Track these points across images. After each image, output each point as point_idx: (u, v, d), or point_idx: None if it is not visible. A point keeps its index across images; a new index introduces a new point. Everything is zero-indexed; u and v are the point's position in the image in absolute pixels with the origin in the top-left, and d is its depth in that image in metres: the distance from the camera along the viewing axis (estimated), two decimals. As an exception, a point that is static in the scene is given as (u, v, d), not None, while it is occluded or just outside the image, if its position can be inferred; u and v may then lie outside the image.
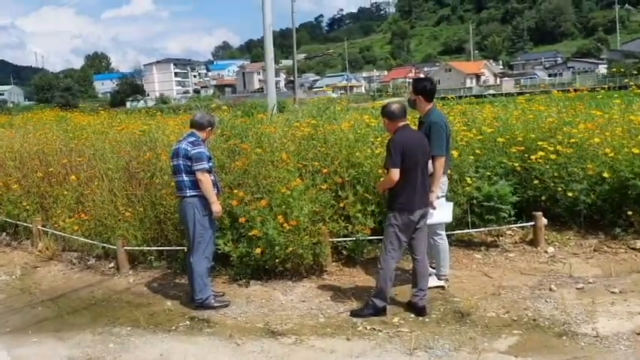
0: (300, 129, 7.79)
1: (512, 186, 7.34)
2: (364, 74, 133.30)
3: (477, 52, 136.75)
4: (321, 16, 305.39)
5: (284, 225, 6.35)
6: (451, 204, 6.16)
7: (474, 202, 7.26)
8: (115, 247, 7.50)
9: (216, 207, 5.97)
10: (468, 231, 7.31)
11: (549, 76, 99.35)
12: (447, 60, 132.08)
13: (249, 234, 6.46)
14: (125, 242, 7.45)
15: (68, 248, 8.49)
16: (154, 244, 7.52)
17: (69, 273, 7.76)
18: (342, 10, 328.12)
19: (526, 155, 7.73)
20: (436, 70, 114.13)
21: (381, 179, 5.87)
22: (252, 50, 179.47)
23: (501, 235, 7.54)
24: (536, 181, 7.58)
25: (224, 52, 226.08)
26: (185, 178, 5.92)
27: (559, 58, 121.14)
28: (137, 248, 7.45)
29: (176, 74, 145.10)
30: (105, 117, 14.38)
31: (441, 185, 5.97)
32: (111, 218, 7.70)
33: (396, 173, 5.24)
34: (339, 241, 7.00)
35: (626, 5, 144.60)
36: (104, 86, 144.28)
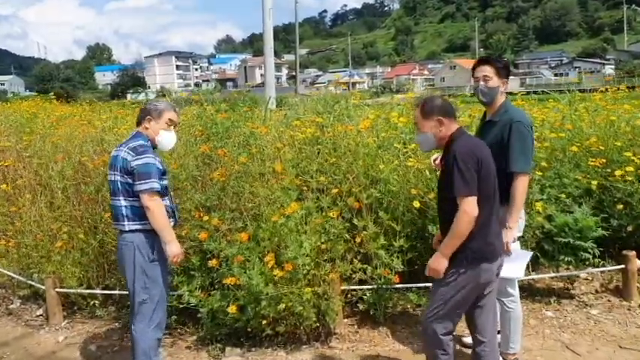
0: (301, 129, 5.73)
1: (593, 213, 5.29)
2: (367, 70, 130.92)
3: (481, 50, 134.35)
4: (325, 11, 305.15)
5: (274, 269, 4.33)
6: (530, 253, 4.10)
7: (539, 234, 5.23)
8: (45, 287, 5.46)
9: (174, 248, 3.86)
10: (531, 277, 5.28)
11: (555, 75, 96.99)
12: (451, 57, 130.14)
13: (224, 281, 4.43)
14: (57, 281, 5.41)
15: (-8, 282, 6.45)
16: (98, 285, 5.49)
17: (-17, 320, 5.72)
18: (345, 5, 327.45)
19: (607, 170, 5.70)
20: (441, 68, 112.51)
21: (457, 223, 3.26)
22: (254, 44, 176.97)
23: (574, 281, 5.51)
24: (620, 206, 5.55)
25: (227, 45, 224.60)
26: (123, 203, 3.86)
27: (564, 58, 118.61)
28: (72, 291, 5.41)
29: (177, 67, 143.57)
30: (84, 109, 12.48)
31: (519, 219, 3.95)
32: (42, 246, 5.66)
33: (474, 204, 3.21)
34: (354, 290, 4.96)
35: (633, 5, 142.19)
36: (105, 78, 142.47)
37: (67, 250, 5.48)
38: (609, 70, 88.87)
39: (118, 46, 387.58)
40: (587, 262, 5.12)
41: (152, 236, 3.85)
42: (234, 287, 4.43)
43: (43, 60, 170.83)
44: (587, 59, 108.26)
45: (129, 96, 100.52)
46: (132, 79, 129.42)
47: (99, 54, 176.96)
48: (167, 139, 3.99)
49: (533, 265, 5.39)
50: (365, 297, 4.92)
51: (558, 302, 5.23)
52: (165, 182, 3.95)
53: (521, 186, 3.75)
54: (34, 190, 6.26)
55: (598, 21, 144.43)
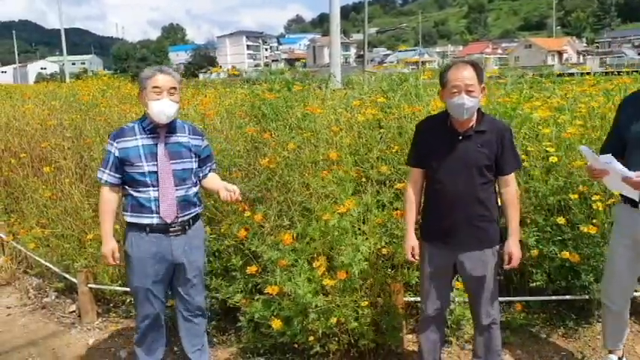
0: (360, 111, 5.00)
1: None
2: (438, 49, 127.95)
3: (558, 28, 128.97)
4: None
5: (325, 279, 3.65)
6: None
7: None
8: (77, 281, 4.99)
9: (103, 247, 3.48)
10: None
11: (639, 55, 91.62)
12: (526, 36, 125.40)
13: (266, 290, 3.80)
14: (91, 276, 4.93)
15: (32, 270, 6.06)
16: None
17: (16, 314, 5.28)
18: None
19: None
20: (515, 46, 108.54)
21: (516, 199, 3.32)
22: (324, 24, 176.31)
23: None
24: None
25: (297, 25, 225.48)
26: None
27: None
28: (106, 287, 4.91)
29: (248, 47, 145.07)
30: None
31: None
32: (74, 237, 5.19)
33: None
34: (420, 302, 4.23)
35: None
36: (179, 57, 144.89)
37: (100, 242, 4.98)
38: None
39: (191, 27, 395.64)
40: None
41: (132, 229, 3.48)
42: (279, 295, 3.79)
43: (120, 40, 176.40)
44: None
45: (200, 75, 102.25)
46: (204, 59, 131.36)
47: (173, 34, 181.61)
48: (156, 108, 3.25)
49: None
50: (433, 310, 4.17)
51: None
52: (137, 171, 3.33)
53: None
54: (73, 174, 5.83)
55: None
